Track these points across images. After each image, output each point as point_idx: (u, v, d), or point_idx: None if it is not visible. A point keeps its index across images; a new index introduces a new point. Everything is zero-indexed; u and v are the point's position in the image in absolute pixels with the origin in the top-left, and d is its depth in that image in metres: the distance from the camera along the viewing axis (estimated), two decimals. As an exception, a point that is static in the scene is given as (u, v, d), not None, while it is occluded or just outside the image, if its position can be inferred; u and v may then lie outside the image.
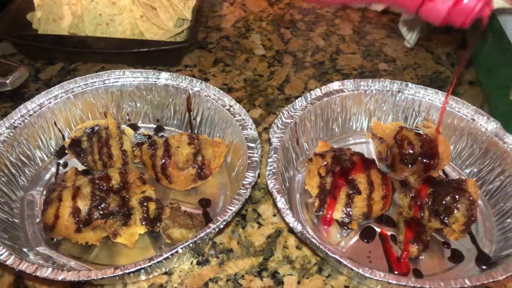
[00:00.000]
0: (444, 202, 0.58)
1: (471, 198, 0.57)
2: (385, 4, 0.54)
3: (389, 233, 0.63)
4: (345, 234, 0.63)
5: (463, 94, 0.87)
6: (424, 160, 0.65)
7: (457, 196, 0.58)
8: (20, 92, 0.83)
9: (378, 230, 0.63)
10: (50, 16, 0.90)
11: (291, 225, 0.55)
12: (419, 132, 0.68)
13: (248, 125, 0.67)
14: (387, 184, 0.62)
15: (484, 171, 0.68)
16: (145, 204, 0.60)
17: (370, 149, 0.75)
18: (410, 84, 0.73)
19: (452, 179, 0.63)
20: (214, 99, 0.72)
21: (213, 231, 0.54)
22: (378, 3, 0.77)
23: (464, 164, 0.71)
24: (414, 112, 0.74)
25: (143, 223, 0.59)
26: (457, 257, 0.60)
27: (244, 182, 0.59)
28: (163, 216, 0.60)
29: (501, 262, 0.57)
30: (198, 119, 0.75)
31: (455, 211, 0.58)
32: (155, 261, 0.50)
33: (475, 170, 0.69)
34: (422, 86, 0.73)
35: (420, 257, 0.59)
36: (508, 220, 0.61)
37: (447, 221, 0.58)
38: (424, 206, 0.60)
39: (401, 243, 0.60)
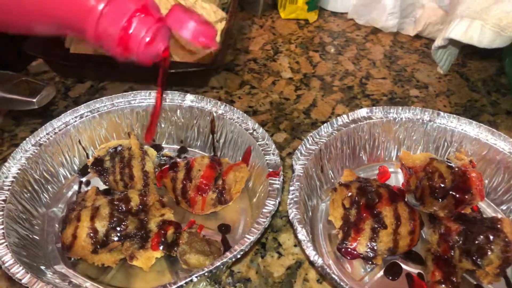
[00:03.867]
0: (476, 241, 0.54)
1: (506, 239, 0.54)
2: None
3: (416, 271, 0.59)
4: (369, 269, 0.60)
5: (500, 125, 0.83)
6: (456, 195, 0.61)
7: (491, 236, 0.54)
8: (49, 109, 0.85)
9: (404, 267, 0.60)
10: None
11: (311, 258, 0.52)
12: (451, 164, 0.65)
13: (271, 150, 0.66)
14: (415, 219, 0.58)
15: (521, 208, 0.64)
16: (163, 227, 0.59)
17: (398, 179, 0.72)
18: (442, 113, 0.70)
19: (486, 216, 0.59)
20: (238, 122, 0.71)
21: (230, 260, 0.52)
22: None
23: (500, 200, 0.66)
24: (446, 143, 0.71)
25: (160, 247, 0.58)
26: (490, 301, 0.56)
27: (264, 211, 0.57)
28: (181, 241, 0.58)
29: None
30: (221, 141, 0.74)
31: (489, 252, 0.54)
32: (169, 290, 0.49)
33: (512, 207, 0.65)
34: (455, 115, 0.70)
35: (450, 299, 0.55)
36: (548, 264, 0.57)
37: (479, 263, 0.54)
38: (454, 245, 0.56)
39: (428, 282, 0.56)
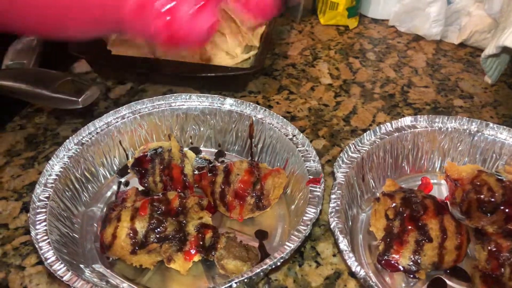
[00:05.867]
0: (529, 260, 0.52)
1: (562, 258, 0.51)
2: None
3: None
4: (411, 284, 0.57)
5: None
6: (506, 210, 0.58)
7: (545, 255, 0.51)
8: (90, 110, 0.86)
9: (449, 283, 0.57)
10: (124, 38, 0.93)
11: (353, 269, 0.51)
12: (501, 177, 0.62)
13: (311, 157, 0.65)
14: (462, 233, 0.56)
15: None
16: (201, 230, 0.58)
17: (442, 191, 0.69)
18: (491, 124, 0.67)
19: (540, 234, 0.56)
20: (277, 127, 0.70)
21: (269, 267, 0.51)
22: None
23: (552, 217, 0.63)
24: (494, 155, 0.68)
25: (198, 250, 0.58)
26: (542, 324, 0.53)
27: (305, 218, 0.56)
28: (218, 246, 0.58)
29: None
30: (260, 146, 0.73)
31: (543, 272, 0.51)
32: (207, 294, 0.48)
33: None
34: (505, 126, 0.67)
35: (498, 320, 0.52)
36: None
37: (532, 282, 0.51)
38: (505, 262, 0.53)
39: (476, 301, 0.54)
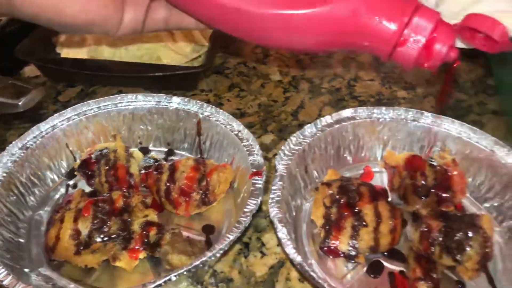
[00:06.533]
0: (456, 238, 0.55)
1: (485, 235, 0.54)
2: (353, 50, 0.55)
3: (398, 268, 0.59)
4: (351, 268, 0.60)
5: (486, 124, 0.83)
6: (438, 193, 0.62)
7: (470, 233, 0.54)
8: (39, 113, 0.85)
9: (386, 265, 0.60)
10: (73, 40, 0.93)
11: (290, 256, 0.53)
12: (433, 163, 0.65)
13: (255, 151, 0.66)
14: (396, 217, 0.59)
15: (504, 206, 0.64)
16: (145, 228, 0.59)
17: (384, 179, 0.72)
18: (425, 113, 0.71)
19: (465, 214, 0.59)
20: (224, 124, 0.71)
21: (209, 259, 0.52)
22: (348, 51, 0.69)
23: (483, 198, 0.67)
24: (430, 142, 0.71)
25: (143, 247, 0.58)
26: (471, 298, 0.56)
27: (246, 210, 0.58)
28: (163, 242, 0.59)
29: (520, 306, 0.52)
30: (208, 143, 0.74)
31: (468, 248, 0.54)
32: (148, 288, 0.49)
33: (495, 204, 0.65)
34: (438, 115, 0.70)
35: (431, 297, 0.55)
36: (529, 260, 0.57)
37: (459, 259, 0.55)
38: (435, 242, 0.56)
39: (410, 279, 0.56)
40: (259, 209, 0.67)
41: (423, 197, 0.63)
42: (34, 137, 0.69)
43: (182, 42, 0.92)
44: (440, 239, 0.56)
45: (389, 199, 0.67)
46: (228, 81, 0.95)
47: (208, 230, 0.65)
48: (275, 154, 0.77)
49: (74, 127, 0.72)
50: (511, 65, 0.79)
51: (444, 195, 0.62)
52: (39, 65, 0.92)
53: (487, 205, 0.66)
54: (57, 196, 0.70)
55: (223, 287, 0.59)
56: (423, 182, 0.62)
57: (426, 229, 0.57)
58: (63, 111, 0.72)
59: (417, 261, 0.56)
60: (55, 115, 0.72)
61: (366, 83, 0.94)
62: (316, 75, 0.97)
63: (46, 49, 0.95)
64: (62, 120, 0.72)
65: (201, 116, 0.73)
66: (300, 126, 0.83)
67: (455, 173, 0.63)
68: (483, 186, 0.66)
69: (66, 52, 0.93)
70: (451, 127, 0.69)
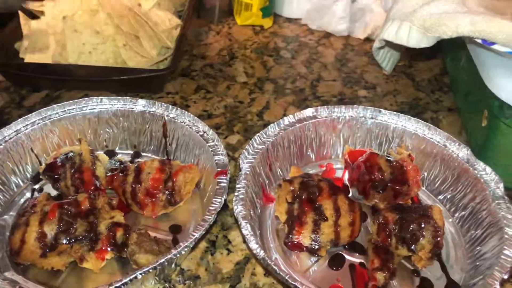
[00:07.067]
0: (410, 229, 0.58)
1: (436, 225, 0.57)
2: None
3: (359, 260, 0.62)
4: (314, 261, 0.62)
5: (441, 121, 0.87)
6: (394, 186, 0.65)
7: (422, 223, 0.57)
8: (3, 119, 0.85)
9: (347, 257, 0.63)
10: (36, 45, 0.92)
11: (254, 251, 0.55)
12: (390, 158, 0.68)
13: (219, 151, 0.68)
14: (355, 211, 0.61)
15: (456, 197, 0.67)
16: (112, 229, 0.60)
17: (345, 175, 0.75)
18: (383, 111, 0.74)
19: (418, 205, 0.63)
20: (189, 125, 0.73)
21: (174, 256, 0.53)
22: None
23: (437, 191, 0.70)
24: (387, 139, 0.74)
25: (110, 248, 0.59)
26: (426, 285, 0.59)
27: (210, 208, 0.59)
28: (130, 242, 0.59)
29: (470, 290, 0.56)
30: (174, 145, 0.75)
31: (421, 238, 0.57)
32: (114, 287, 0.50)
33: (449, 196, 0.69)
34: (395, 112, 0.74)
35: (388, 285, 0.58)
36: (478, 248, 0.61)
37: (413, 248, 0.58)
38: (391, 233, 0.59)
39: (369, 270, 0.59)
40: (226, 207, 0.69)
41: (380, 191, 0.66)
42: (-3, 143, 0.69)
43: (148, 45, 0.92)
44: (396, 230, 0.59)
45: (350, 194, 0.71)
46: (194, 84, 0.96)
47: (175, 230, 0.66)
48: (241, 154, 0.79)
49: (39, 131, 0.72)
50: (464, 63, 0.83)
51: (400, 188, 0.65)
52: (2, 70, 0.91)
53: (441, 197, 0.70)
54: (22, 200, 0.70)
55: (190, 285, 0.60)
56: (380, 176, 0.65)
57: (383, 222, 0.60)
58: (27, 116, 0.72)
59: (376, 252, 0.59)
60: (19, 119, 0.71)
61: (328, 83, 0.97)
62: (280, 76, 0.99)
63: (8, 55, 0.94)
64: (27, 125, 0.71)
65: (166, 118, 0.74)
66: (266, 126, 0.84)
67: (410, 167, 0.66)
68: (438, 179, 0.70)
69: (30, 57, 0.92)
70: (407, 124, 0.73)
